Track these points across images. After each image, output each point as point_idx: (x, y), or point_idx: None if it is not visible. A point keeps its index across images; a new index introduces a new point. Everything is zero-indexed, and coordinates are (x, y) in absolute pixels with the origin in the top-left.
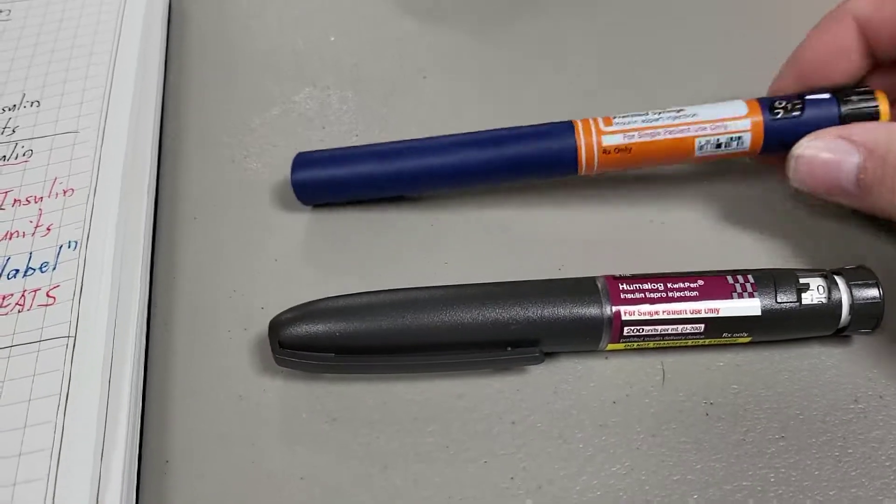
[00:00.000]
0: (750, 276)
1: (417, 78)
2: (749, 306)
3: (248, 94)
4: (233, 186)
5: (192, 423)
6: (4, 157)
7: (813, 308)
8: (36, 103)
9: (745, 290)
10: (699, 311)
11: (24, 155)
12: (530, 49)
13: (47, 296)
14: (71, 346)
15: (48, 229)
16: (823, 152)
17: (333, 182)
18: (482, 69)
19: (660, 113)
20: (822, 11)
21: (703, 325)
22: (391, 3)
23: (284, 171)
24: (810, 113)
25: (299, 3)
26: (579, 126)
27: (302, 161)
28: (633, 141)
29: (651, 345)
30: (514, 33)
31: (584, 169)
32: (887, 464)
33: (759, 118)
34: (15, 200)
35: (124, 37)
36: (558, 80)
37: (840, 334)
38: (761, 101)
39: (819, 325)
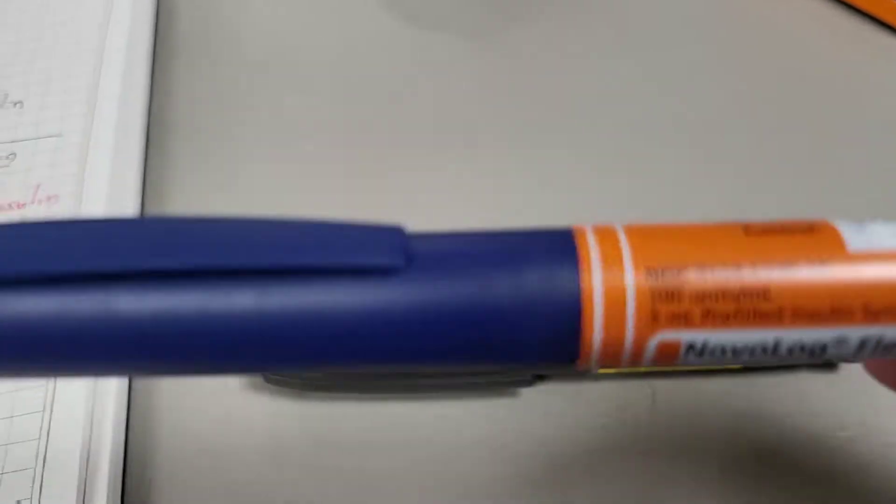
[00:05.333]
0: None
1: (409, 86)
2: None
3: (235, 99)
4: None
5: (177, 442)
6: None
7: None
8: (19, 104)
9: None
10: None
11: (6, 158)
12: (525, 60)
13: None
14: None
15: None
16: None
17: None
18: (477, 78)
19: None
20: None
21: None
22: (386, 9)
23: None
24: None
25: (291, 7)
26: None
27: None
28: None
29: (643, 368)
30: (510, 43)
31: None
32: (873, 492)
33: None
34: None
35: (112, 33)
36: (555, 93)
37: (828, 361)
38: None
39: None
